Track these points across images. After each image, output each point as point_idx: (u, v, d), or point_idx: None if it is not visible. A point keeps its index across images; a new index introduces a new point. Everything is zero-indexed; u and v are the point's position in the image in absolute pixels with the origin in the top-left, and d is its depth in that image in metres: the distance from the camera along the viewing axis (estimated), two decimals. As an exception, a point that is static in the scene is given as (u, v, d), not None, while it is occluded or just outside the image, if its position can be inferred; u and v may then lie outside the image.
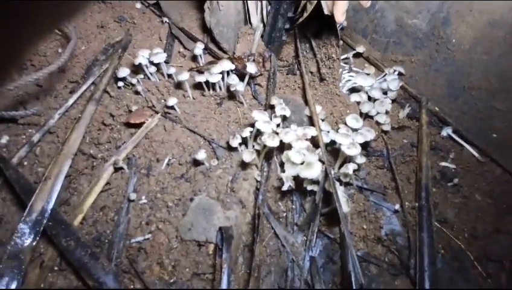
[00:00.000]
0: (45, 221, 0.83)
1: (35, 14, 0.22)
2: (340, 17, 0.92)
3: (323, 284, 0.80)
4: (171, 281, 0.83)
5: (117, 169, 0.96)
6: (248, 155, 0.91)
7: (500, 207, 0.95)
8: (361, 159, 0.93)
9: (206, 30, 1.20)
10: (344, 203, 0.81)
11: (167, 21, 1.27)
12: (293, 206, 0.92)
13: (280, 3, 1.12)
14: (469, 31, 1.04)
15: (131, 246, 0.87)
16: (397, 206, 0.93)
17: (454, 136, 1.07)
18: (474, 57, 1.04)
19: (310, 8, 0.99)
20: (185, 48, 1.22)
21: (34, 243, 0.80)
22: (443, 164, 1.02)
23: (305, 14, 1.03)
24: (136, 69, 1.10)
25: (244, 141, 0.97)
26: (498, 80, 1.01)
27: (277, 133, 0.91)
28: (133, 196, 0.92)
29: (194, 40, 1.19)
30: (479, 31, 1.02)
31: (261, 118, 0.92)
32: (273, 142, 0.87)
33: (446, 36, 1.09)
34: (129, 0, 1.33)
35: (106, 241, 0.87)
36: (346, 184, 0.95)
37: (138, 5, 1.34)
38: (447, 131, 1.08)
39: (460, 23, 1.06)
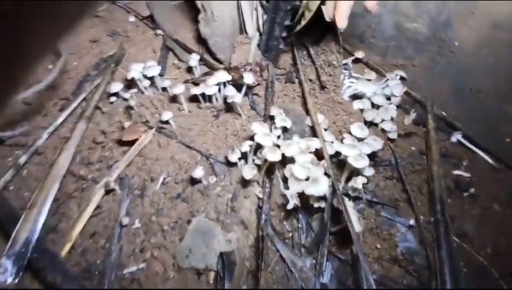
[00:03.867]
0: (29, 253, 0.73)
1: (25, 32, 0.20)
2: (342, 22, 0.86)
3: (337, 314, 0.70)
4: (168, 316, 0.73)
5: (108, 191, 0.87)
6: (248, 171, 0.83)
7: (522, 218, 0.86)
8: (369, 171, 0.85)
9: (201, 41, 1.14)
10: (356, 221, 0.72)
11: (161, 33, 1.22)
12: (299, 225, 0.83)
13: (276, 11, 1.07)
14: (472, 34, 0.99)
15: (124, 277, 0.77)
16: (412, 221, 0.84)
17: (464, 141, 0.99)
18: (480, 59, 0.98)
19: (308, 15, 0.94)
20: (179, 59, 1.16)
21: (16, 280, 0.71)
22: (456, 172, 0.93)
23: (303, 22, 0.97)
24: (129, 84, 1.03)
25: (244, 156, 0.89)
26: (507, 82, 0.95)
27: (278, 146, 0.83)
28: (125, 221, 0.83)
29: (189, 51, 1.13)
30: (483, 33, 0.96)
31: (260, 131, 0.85)
32: (274, 156, 0.79)
33: (448, 39, 1.04)
34: (122, 14, 1.29)
35: (96, 272, 0.77)
36: (355, 199, 0.86)
37: (132, 19, 1.29)
38: (456, 136, 1.00)
39: (462, 25, 1.01)
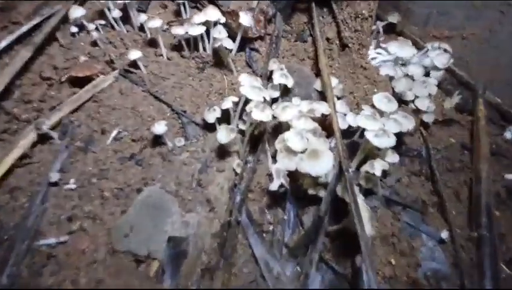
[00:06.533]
0: None
1: None
2: None
3: None
4: (86, 312, 0.54)
5: (43, 138, 0.69)
6: (225, 133, 0.62)
7: None
8: (394, 157, 0.62)
9: (197, -23, 0.94)
10: (367, 221, 0.50)
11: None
12: (285, 217, 0.62)
13: None
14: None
15: (39, 249, 0.59)
16: (444, 234, 0.61)
17: (525, 139, 0.75)
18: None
19: None
20: (167, -3, 0.96)
21: None
22: (510, 176, 0.69)
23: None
24: (97, 15, 0.85)
25: (226, 118, 0.69)
26: None
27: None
28: (55, 177, 0.64)
29: (179, -14, 0.93)
30: None
31: (249, 82, 0.64)
32: (262, 115, 0.59)
33: (517, 3, 0.79)
34: None
35: (6, 237, 0.60)
36: (367, 192, 0.64)
37: None
38: (513, 132, 0.76)
39: (541, -16, 0.75)
